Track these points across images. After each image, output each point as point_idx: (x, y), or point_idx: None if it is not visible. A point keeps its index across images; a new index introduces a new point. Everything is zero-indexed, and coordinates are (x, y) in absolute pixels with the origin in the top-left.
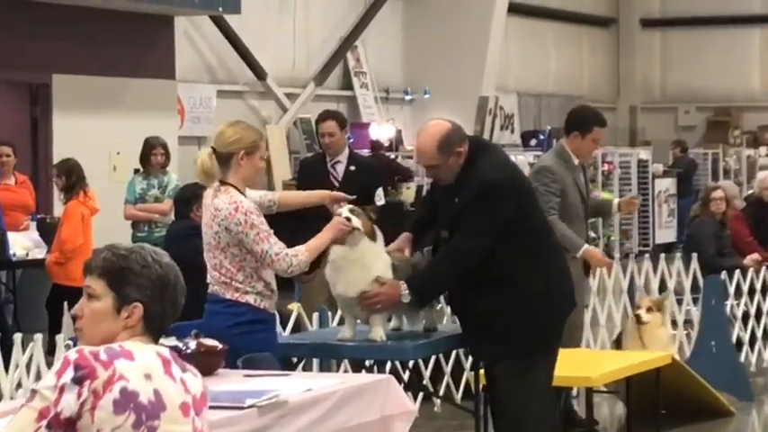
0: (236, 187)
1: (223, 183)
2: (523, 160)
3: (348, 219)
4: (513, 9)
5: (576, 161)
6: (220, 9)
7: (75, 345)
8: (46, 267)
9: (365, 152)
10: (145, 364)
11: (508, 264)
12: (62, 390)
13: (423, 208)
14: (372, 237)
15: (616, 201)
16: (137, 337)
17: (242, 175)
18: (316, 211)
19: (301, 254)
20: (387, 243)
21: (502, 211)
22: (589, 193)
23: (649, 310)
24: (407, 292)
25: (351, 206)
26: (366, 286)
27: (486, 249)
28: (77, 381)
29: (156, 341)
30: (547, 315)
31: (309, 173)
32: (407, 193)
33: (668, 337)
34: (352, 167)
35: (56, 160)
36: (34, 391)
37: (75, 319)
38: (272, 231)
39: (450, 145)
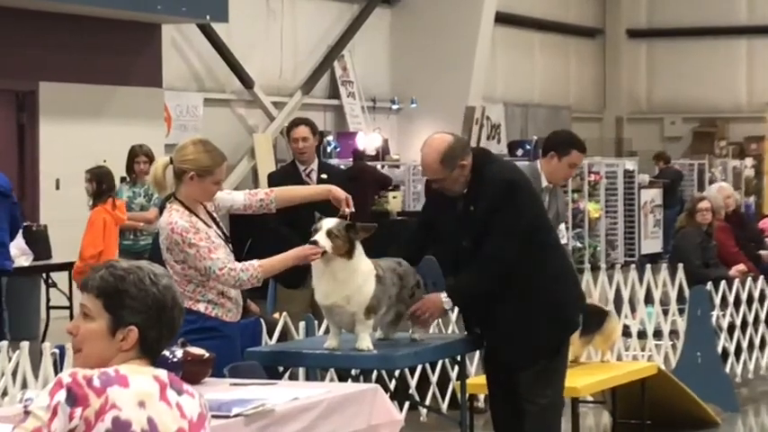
0: (183, 203)
1: (174, 197)
2: None
3: (315, 242)
4: (500, 19)
5: (545, 183)
6: (208, 18)
7: (61, 353)
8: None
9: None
10: (139, 391)
11: (527, 268)
12: (55, 410)
13: (417, 234)
14: (348, 255)
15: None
16: (133, 361)
17: (190, 194)
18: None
19: (253, 269)
20: (370, 252)
21: (525, 209)
22: (559, 219)
23: None
24: (448, 299)
25: (330, 227)
26: (339, 299)
27: (516, 251)
28: (70, 402)
29: (152, 363)
30: (565, 317)
31: (284, 185)
32: (394, 203)
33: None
34: (324, 176)
35: (42, 167)
36: (27, 412)
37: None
38: (216, 245)
39: (453, 158)
